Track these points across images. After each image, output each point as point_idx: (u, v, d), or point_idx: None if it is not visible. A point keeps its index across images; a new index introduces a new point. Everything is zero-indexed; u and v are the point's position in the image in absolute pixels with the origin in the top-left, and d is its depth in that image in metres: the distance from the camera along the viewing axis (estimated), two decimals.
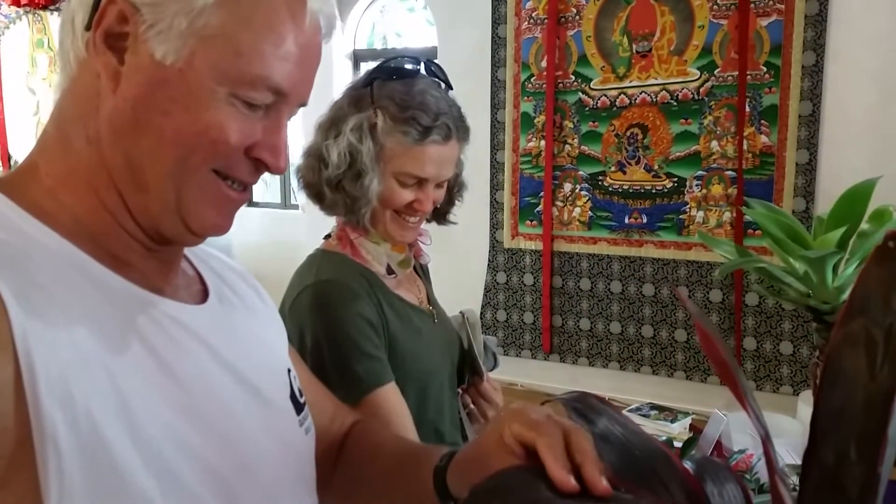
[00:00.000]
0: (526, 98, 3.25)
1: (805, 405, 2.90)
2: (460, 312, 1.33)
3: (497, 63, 3.31)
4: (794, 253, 0.79)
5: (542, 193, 3.26)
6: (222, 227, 0.61)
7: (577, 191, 3.23)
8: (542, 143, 3.24)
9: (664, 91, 3.02)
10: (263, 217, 4.38)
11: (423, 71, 1.14)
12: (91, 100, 0.56)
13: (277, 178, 4.35)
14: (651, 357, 3.19)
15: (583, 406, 0.61)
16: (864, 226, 0.82)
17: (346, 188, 1.12)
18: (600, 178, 3.18)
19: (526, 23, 3.22)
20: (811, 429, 0.49)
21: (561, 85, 3.19)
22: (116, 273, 0.56)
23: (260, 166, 0.60)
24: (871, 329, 0.46)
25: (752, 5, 2.81)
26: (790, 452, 2.50)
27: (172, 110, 0.55)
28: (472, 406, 1.29)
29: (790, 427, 2.78)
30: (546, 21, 3.16)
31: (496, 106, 3.34)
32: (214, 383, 0.60)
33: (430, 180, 1.13)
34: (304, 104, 0.62)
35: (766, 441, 0.44)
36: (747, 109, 2.87)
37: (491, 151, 3.38)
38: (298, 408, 0.71)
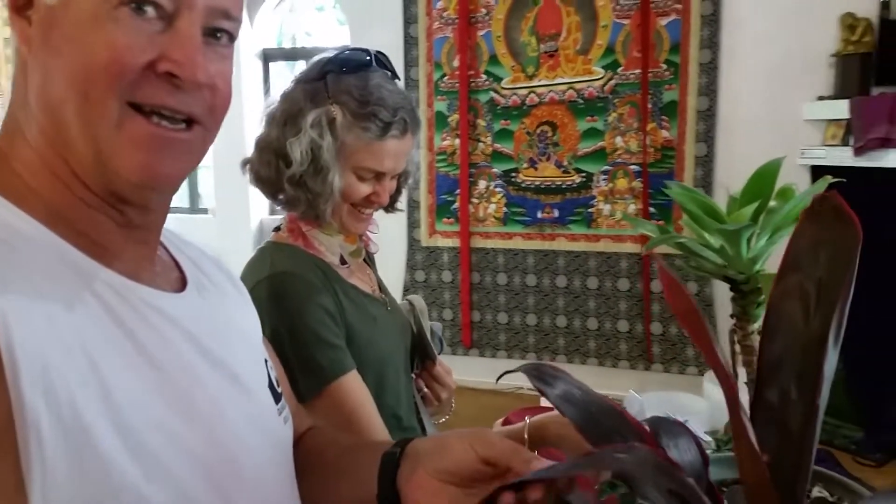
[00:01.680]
0: (440, 97, 3.27)
1: (711, 384, 3.04)
2: (407, 300, 1.35)
3: (410, 62, 3.31)
4: (712, 227, 0.84)
5: (458, 191, 3.29)
6: (155, 169, 0.56)
7: (491, 188, 3.27)
8: (457, 141, 3.26)
9: (571, 89, 3.09)
10: (170, 222, 4.22)
11: (373, 63, 1.14)
12: (22, 74, 0.55)
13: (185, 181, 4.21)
14: (565, 346, 3.27)
15: (540, 373, 0.63)
16: (771, 203, 0.88)
17: (308, 184, 1.11)
18: (513, 174, 3.23)
19: (437, 22, 3.23)
20: (757, 375, 0.53)
21: (473, 84, 3.22)
22: (95, 260, 0.55)
23: (175, 83, 0.55)
24: (803, 282, 0.50)
25: (653, 5, 2.92)
26: (700, 430, 2.63)
27: (64, 48, 0.52)
28: (425, 389, 1.31)
29: (699, 406, 2.92)
30: (457, 21, 3.20)
31: None
32: (196, 371, 0.59)
33: (387, 174, 1.14)
34: (222, 10, 0.57)
35: (732, 384, 0.47)
36: (649, 106, 2.99)
37: None
38: (276, 397, 0.71)
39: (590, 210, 3.14)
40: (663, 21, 2.93)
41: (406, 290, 3.44)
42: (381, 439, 1.03)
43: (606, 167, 3.09)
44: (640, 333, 3.14)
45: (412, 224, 3.43)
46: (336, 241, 1.18)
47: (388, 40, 3.29)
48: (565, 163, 3.14)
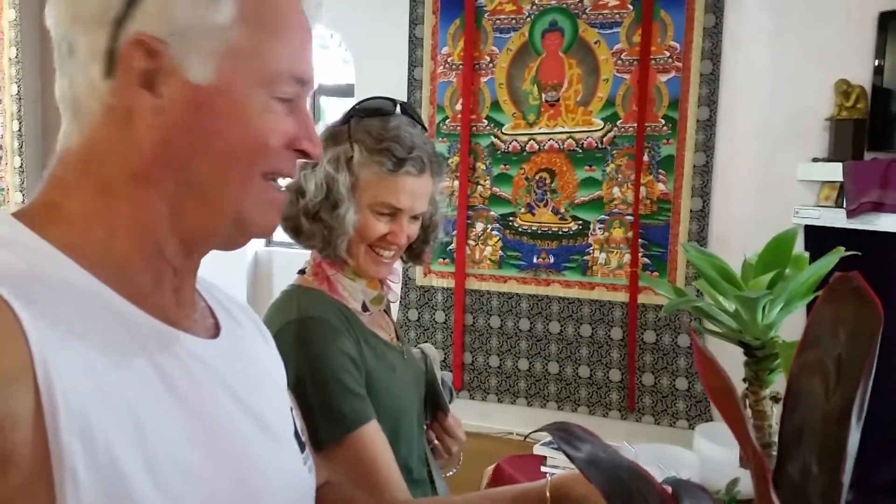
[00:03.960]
0: (441, 139, 3.29)
1: (701, 438, 3.03)
2: (419, 348, 1.33)
3: (413, 104, 3.35)
4: (729, 293, 0.84)
5: (455, 232, 3.31)
6: (275, 225, 0.65)
7: (488, 230, 3.27)
8: (456, 183, 3.28)
9: (570, 139, 3.13)
10: None
11: (398, 110, 1.16)
12: (126, 140, 0.56)
13: None
14: (556, 393, 3.25)
15: (567, 434, 0.62)
16: (785, 271, 0.89)
17: (323, 218, 1.11)
18: (510, 218, 3.25)
19: (441, 67, 3.27)
20: (778, 449, 0.52)
21: (474, 128, 3.24)
22: (137, 306, 0.56)
23: (302, 157, 0.63)
24: (824, 359, 0.50)
25: (653, 62, 2.98)
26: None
27: (221, 128, 0.57)
28: (436, 441, 1.29)
29: (689, 459, 2.90)
30: (461, 66, 3.24)
31: None
32: (229, 418, 0.60)
33: (404, 211, 1.13)
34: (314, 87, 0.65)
35: (765, 464, 0.46)
36: (646, 158, 3.01)
37: None
38: (301, 446, 0.71)
39: (585, 258, 3.15)
40: (663, 77, 2.98)
41: (398, 329, 3.42)
42: (399, 496, 1.02)
43: (603, 216, 3.11)
44: (633, 384, 3.13)
45: (407, 263, 3.43)
46: (359, 287, 1.17)
47: (392, 81, 3.33)
48: (562, 210, 3.16)
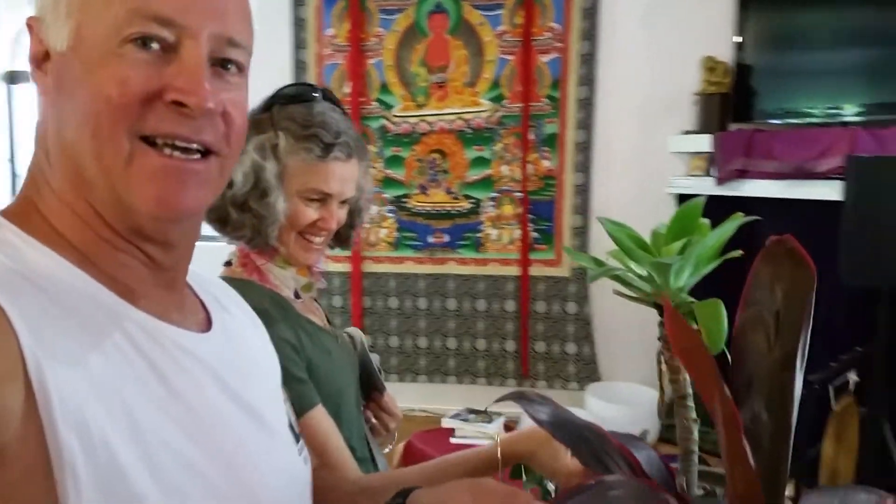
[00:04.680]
0: None
1: (592, 397, 3.20)
2: (346, 332, 1.33)
3: None
4: (644, 260, 0.89)
5: None
6: (170, 200, 0.55)
7: (382, 213, 3.28)
8: None
9: (460, 119, 3.17)
10: None
11: (320, 96, 1.14)
12: (43, 123, 0.56)
13: None
14: (456, 367, 3.32)
15: (527, 401, 0.65)
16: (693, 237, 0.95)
17: (253, 207, 1.08)
18: (404, 200, 3.25)
19: (328, 49, 3.22)
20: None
21: (365, 111, 3.22)
22: (126, 301, 0.55)
23: (184, 112, 0.54)
24: (763, 315, 0.55)
25: (535, 43, 3.07)
26: None
27: (76, 90, 0.53)
28: (373, 420, 1.30)
29: (583, 417, 3.06)
30: (348, 48, 3.20)
31: None
32: (223, 411, 0.59)
33: (334, 197, 1.12)
34: (226, 38, 0.56)
35: (734, 410, 0.50)
36: (532, 137, 3.12)
37: None
38: (296, 437, 0.70)
39: (478, 235, 3.21)
40: (545, 58, 3.08)
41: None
42: (352, 475, 1.02)
43: (493, 194, 3.18)
44: (527, 353, 3.24)
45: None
46: (289, 275, 1.15)
47: (277, 64, 3.24)
48: (454, 189, 3.21)
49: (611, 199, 3.16)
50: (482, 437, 2.45)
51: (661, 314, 1.00)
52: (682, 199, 3.22)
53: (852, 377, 2.17)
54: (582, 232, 3.15)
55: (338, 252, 3.31)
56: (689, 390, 0.98)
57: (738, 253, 0.94)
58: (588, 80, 3.05)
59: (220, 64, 0.57)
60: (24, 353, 0.46)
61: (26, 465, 0.45)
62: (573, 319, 3.21)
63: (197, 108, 0.54)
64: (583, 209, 3.13)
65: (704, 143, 3.01)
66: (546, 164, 3.12)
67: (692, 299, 0.93)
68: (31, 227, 0.54)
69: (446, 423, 2.56)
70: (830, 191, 2.60)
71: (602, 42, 3.04)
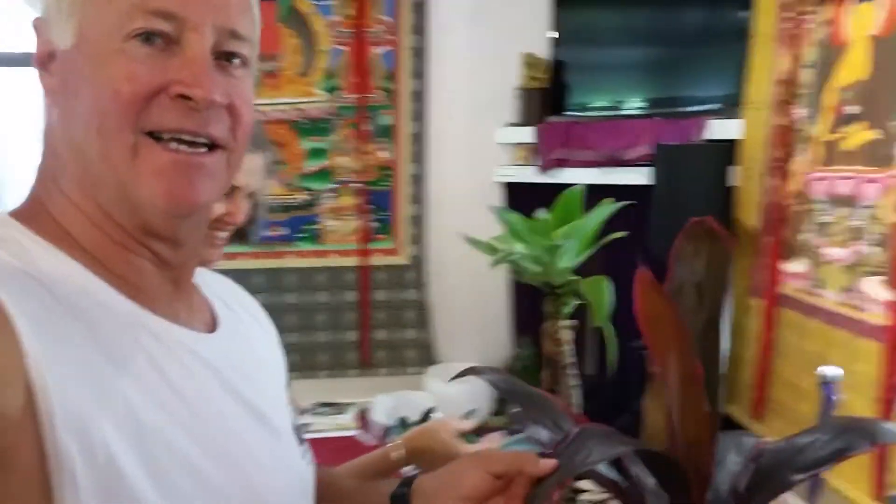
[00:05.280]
0: None
1: (432, 379, 3.31)
2: None
3: None
4: (537, 243, 0.98)
5: None
6: (177, 194, 0.54)
7: None
8: None
9: (295, 110, 3.12)
10: None
11: None
12: (49, 124, 0.55)
13: None
14: (298, 362, 3.27)
15: (482, 371, 0.69)
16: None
17: None
18: None
19: None
20: None
21: None
22: (132, 301, 0.54)
23: (189, 105, 0.54)
24: (685, 286, 0.64)
25: (368, 34, 3.10)
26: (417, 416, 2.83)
27: (81, 90, 0.53)
28: None
29: (426, 400, 3.16)
30: None
31: None
32: (227, 413, 0.58)
33: (241, 189, 1.07)
34: (229, 30, 0.56)
35: (699, 368, 0.57)
36: (368, 128, 3.15)
37: None
38: (300, 439, 0.69)
39: (317, 227, 3.19)
40: (378, 50, 3.11)
41: None
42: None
43: (331, 185, 3.17)
44: (368, 341, 3.28)
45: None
46: None
47: None
48: (292, 181, 3.15)
49: (444, 188, 3.28)
50: (339, 428, 2.45)
51: (549, 293, 1.08)
52: (509, 186, 3.42)
53: None
54: (419, 221, 3.23)
55: None
56: (572, 359, 1.07)
57: (622, 234, 1.05)
58: (420, 74, 3.13)
59: (224, 57, 0.57)
60: (26, 354, 0.44)
61: (24, 469, 0.44)
62: (412, 306, 3.29)
63: (202, 101, 0.54)
64: (419, 198, 3.22)
65: (527, 134, 3.22)
66: (383, 154, 3.16)
67: (577, 277, 1.03)
68: (40, 227, 0.53)
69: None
70: (639, 176, 2.90)
71: (432, 37, 3.13)
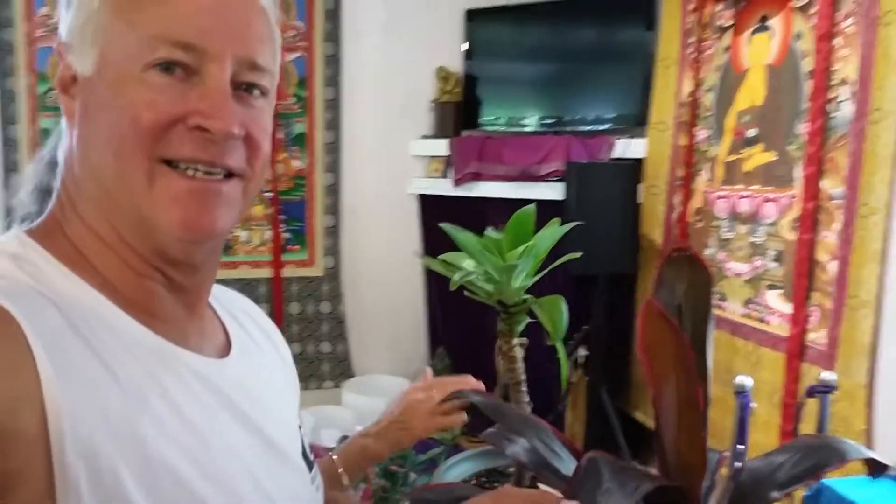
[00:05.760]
0: (46, 113, 2.84)
1: (349, 393, 3.25)
2: None
3: (4, 72, 2.81)
4: (491, 263, 0.98)
5: None
6: (194, 221, 0.54)
7: None
8: None
9: None
10: None
11: None
12: (69, 148, 0.56)
13: None
14: None
15: (462, 395, 0.69)
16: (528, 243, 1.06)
17: None
18: None
19: (42, 30, 2.80)
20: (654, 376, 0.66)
21: None
22: (144, 325, 0.54)
23: (207, 136, 0.53)
24: (667, 307, 0.66)
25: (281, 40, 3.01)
26: (338, 434, 2.80)
27: (100, 115, 0.53)
28: None
29: (341, 415, 3.11)
30: None
31: (7, 121, 2.83)
32: (236, 444, 0.58)
33: None
34: (249, 61, 0.55)
35: (694, 382, 0.58)
36: (281, 136, 3.06)
37: (5, 171, 2.84)
38: (309, 465, 0.68)
39: (226, 237, 3.07)
40: (290, 56, 3.04)
41: None
42: None
43: None
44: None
45: None
46: None
47: None
48: None
49: (359, 199, 3.24)
50: None
51: (502, 311, 1.09)
52: (423, 198, 3.42)
53: (581, 352, 2.51)
54: (333, 231, 3.18)
55: None
56: (524, 377, 1.09)
57: (577, 255, 1.07)
58: (334, 82, 3.08)
59: (244, 88, 0.56)
60: (41, 376, 0.45)
61: (33, 488, 0.45)
62: (327, 319, 3.23)
63: (220, 133, 0.53)
64: (333, 209, 3.17)
65: (441, 147, 3.24)
66: (296, 163, 3.09)
67: (530, 296, 1.04)
68: (55, 247, 0.54)
69: None
70: (551, 191, 2.98)
71: (345, 44, 3.09)
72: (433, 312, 3.55)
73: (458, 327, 3.29)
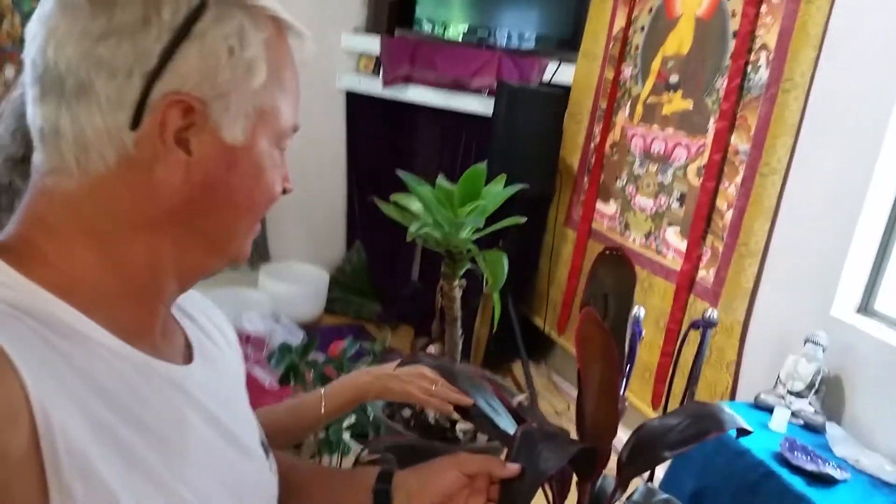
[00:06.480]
0: None
1: (266, 277, 3.32)
2: None
3: None
4: (442, 215, 1.08)
5: None
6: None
7: None
8: None
9: None
10: None
11: None
12: (140, 191, 0.54)
13: None
14: None
15: (417, 359, 0.81)
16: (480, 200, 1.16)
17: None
18: None
19: None
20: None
21: None
22: (123, 340, 0.55)
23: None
24: (597, 297, 0.80)
25: None
26: (259, 320, 2.89)
27: (245, 185, 0.58)
28: None
29: (259, 297, 3.19)
30: None
31: None
32: (212, 449, 0.61)
33: None
34: None
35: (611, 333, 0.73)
36: None
37: None
38: (266, 452, 0.71)
39: None
40: None
41: None
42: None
43: None
44: None
45: None
46: None
47: None
48: None
49: None
50: None
51: (448, 257, 1.21)
52: (351, 95, 3.40)
53: None
54: None
55: None
56: (459, 313, 1.23)
57: (522, 219, 1.19)
58: None
59: None
60: (30, 397, 0.45)
61: None
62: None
63: (289, 192, 0.65)
64: None
65: (373, 44, 3.19)
66: None
67: (475, 247, 1.16)
68: (31, 269, 0.53)
69: None
70: (480, 105, 3.04)
71: None
72: (352, 207, 3.61)
73: (376, 225, 3.38)
